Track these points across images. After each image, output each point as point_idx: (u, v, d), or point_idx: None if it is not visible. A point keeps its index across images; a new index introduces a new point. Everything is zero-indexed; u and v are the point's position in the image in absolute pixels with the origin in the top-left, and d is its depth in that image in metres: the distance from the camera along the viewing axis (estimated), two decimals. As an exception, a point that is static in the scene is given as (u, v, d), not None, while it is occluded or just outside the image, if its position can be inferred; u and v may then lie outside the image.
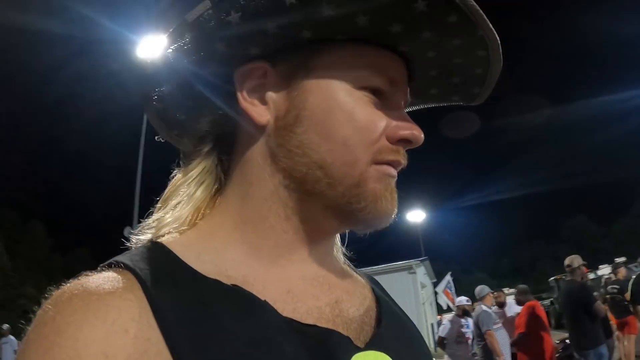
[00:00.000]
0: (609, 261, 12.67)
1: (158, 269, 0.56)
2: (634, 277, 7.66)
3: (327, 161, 0.62)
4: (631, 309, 6.48)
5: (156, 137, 0.76)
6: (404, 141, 0.66)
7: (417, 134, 0.66)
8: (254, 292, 0.58)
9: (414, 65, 0.69)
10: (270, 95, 0.65)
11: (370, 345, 0.61)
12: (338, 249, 0.78)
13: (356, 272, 0.80)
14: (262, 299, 0.58)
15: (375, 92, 0.64)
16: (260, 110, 0.65)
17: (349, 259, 0.81)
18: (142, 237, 0.66)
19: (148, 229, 0.67)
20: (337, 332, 0.59)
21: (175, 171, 0.73)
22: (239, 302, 0.56)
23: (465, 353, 7.73)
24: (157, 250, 0.60)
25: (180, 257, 0.59)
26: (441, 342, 8.35)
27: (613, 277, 9.32)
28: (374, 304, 0.72)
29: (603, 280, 10.20)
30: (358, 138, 0.62)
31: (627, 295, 6.80)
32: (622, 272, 9.25)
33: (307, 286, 0.65)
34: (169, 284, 0.55)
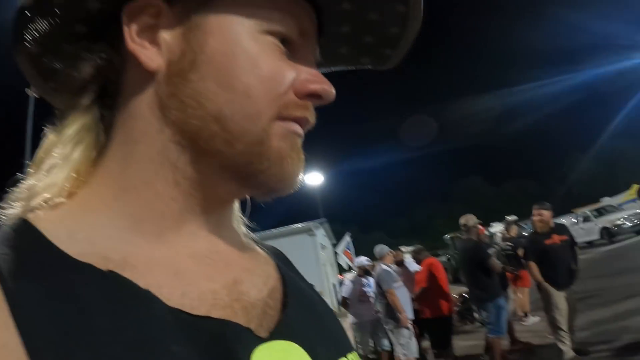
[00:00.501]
0: (501, 219, 13.48)
1: (20, 254, 0.47)
2: (527, 234, 8.14)
3: (224, 113, 0.54)
4: (524, 264, 6.94)
5: (28, 91, 0.47)
6: (313, 96, 0.60)
7: (328, 88, 0.60)
8: (136, 276, 0.49)
9: (326, 19, 0.64)
10: (164, 36, 0.56)
11: (275, 334, 0.53)
12: (238, 220, 0.70)
13: (260, 247, 0.72)
14: (145, 285, 0.49)
15: (283, 41, 0.58)
16: (150, 53, 0.56)
17: (251, 228, 0.73)
18: (10, 212, 0.54)
19: (17, 200, 0.56)
20: (234, 323, 0.51)
21: (47, 130, 0.60)
22: (115, 293, 0.47)
23: (368, 312, 8.03)
24: (21, 230, 0.50)
25: (49, 237, 0.50)
26: (344, 302, 8.63)
27: (506, 234, 9.87)
28: (279, 284, 0.64)
29: (497, 237, 10.83)
30: (262, 88, 0.55)
31: (520, 252, 7.35)
32: (514, 230, 9.86)
33: (199, 265, 0.56)
34: (33, 272, 0.46)
